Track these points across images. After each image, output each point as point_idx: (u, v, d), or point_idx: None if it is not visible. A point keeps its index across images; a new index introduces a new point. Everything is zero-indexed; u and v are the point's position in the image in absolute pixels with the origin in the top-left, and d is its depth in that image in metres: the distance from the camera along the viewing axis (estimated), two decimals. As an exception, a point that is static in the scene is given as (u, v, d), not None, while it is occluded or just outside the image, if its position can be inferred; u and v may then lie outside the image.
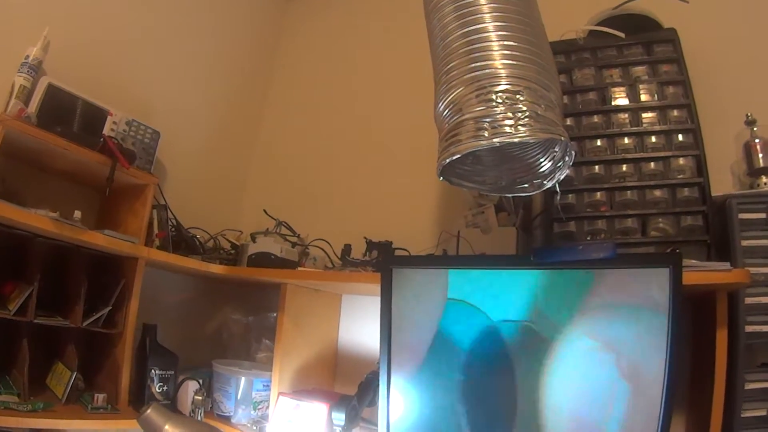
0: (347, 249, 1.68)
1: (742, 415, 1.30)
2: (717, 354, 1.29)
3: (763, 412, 1.30)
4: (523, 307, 1.28)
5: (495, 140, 1.09)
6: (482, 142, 1.10)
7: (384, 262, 1.45)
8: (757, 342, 1.32)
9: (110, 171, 1.64)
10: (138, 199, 1.81)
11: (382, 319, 1.45)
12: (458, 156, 1.13)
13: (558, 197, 1.51)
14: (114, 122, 1.77)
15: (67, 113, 1.65)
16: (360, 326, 1.68)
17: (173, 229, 1.93)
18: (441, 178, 1.25)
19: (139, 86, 2.07)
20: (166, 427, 1.42)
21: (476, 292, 1.34)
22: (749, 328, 1.31)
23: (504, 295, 1.31)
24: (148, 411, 1.44)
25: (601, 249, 1.27)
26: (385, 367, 1.46)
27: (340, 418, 1.51)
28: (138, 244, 1.72)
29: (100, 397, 1.68)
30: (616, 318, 1.20)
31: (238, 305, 2.16)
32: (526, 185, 1.33)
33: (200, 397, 1.69)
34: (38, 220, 1.44)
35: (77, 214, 1.50)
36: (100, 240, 1.57)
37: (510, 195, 1.42)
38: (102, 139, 1.68)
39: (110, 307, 1.69)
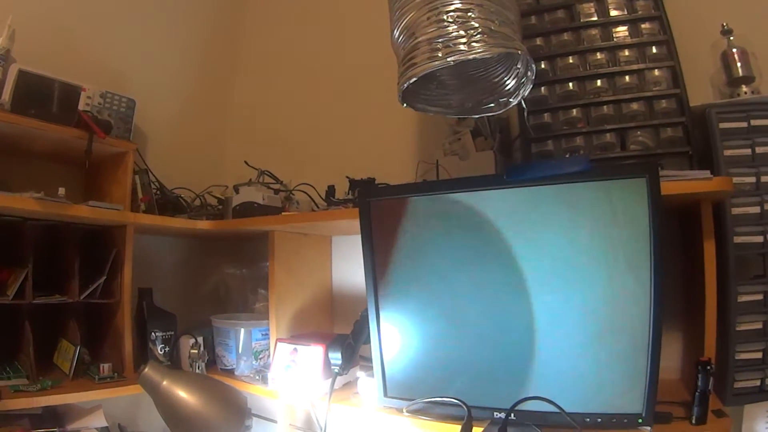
0: (331, 190, 1.68)
1: (737, 329, 1.31)
2: (706, 266, 1.29)
3: (758, 325, 1.32)
4: (502, 227, 1.28)
5: (449, 59, 1.08)
6: (436, 63, 1.09)
7: (361, 196, 1.45)
8: (748, 253, 1.32)
9: (87, 143, 1.65)
10: (119, 168, 1.82)
11: (365, 253, 1.46)
12: (415, 79, 1.13)
13: (526, 113, 1.50)
14: (88, 97, 1.76)
15: (41, 96, 1.64)
16: (353, 266, 1.70)
17: (157, 192, 1.94)
18: (404, 104, 1.25)
19: (110, 58, 2.05)
20: (164, 383, 1.46)
21: (454, 217, 1.34)
22: (738, 239, 1.31)
23: (482, 217, 1.31)
24: (146, 370, 1.48)
25: (575, 162, 1.27)
26: (373, 301, 1.47)
27: (336, 357, 1.53)
28: (123, 210, 1.73)
29: (105, 367, 1.71)
30: (596, 233, 1.20)
31: (232, 259, 2.18)
32: (492, 104, 1.33)
33: (196, 351, 1.72)
34: (23, 202, 1.45)
35: (61, 191, 1.51)
36: (86, 212, 1.58)
37: (476, 116, 1.42)
38: (77, 115, 1.68)
39: (105, 277, 1.71)
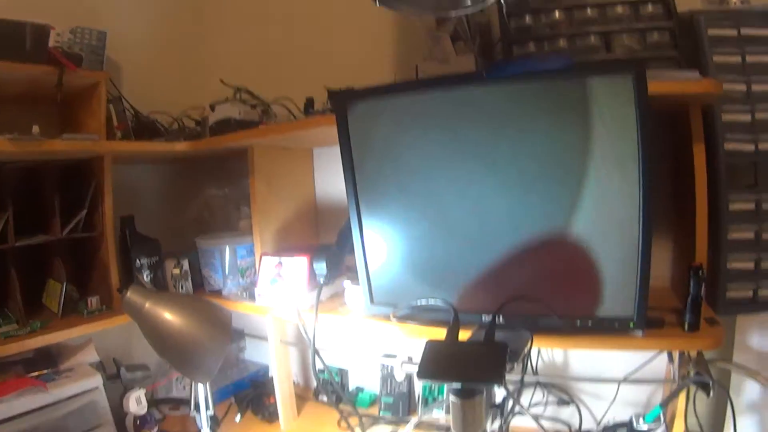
0: (309, 102, 1.63)
1: (729, 237, 1.30)
2: (696, 171, 1.27)
3: (750, 235, 1.31)
4: (484, 127, 1.24)
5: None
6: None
7: (337, 101, 1.40)
8: (739, 161, 1.31)
9: (58, 77, 1.63)
10: (93, 99, 1.77)
11: (344, 159, 1.43)
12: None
13: (505, 11, 1.45)
14: (57, 34, 1.72)
15: (11, 41, 1.59)
16: (335, 177, 1.68)
17: (133, 119, 1.90)
18: (377, 3, 1.19)
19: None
20: (147, 305, 1.44)
21: (434, 118, 1.29)
22: (729, 146, 1.30)
23: (463, 117, 1.26)
24: (128, 294, 1.46)
25: (557, 59, 1.23)
26: (354, 208, 1.45)
27: (321, 267, 1.51)
28: (99, 140, 1.69)
29: (93, 301, 1.72)
30: (582, 133, 1.16)
31: (213, 180, 2.16)
32: (468, 2, 1.27)
33: (178, 270, 1.71)
34: None
35: (35, 129, 1.48)
36: (61, 146, 1.54)
37: (454, 13, 1.36)
38: (47, 53, 1.64)
39: (86, 210, 1.69)
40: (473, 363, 1.00)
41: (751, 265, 1.32)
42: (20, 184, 1.62)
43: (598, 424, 1.64)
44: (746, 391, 1.46)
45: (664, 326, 1.24)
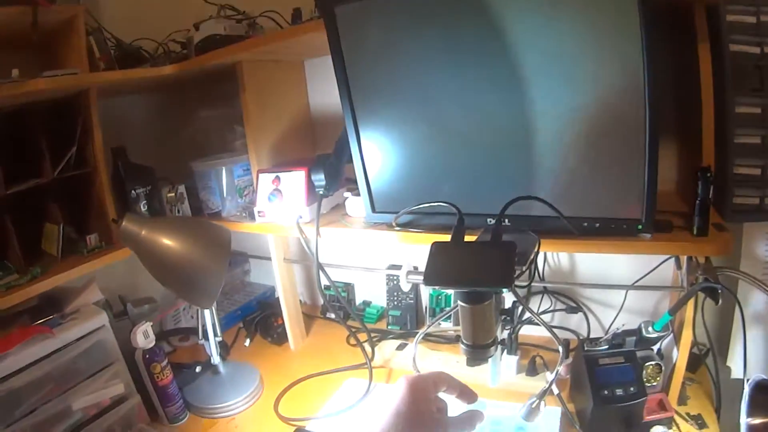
0: (297, 13, 1.54)
1: (736, 141, 1.25)
2: (701, 71, 1.23)
3: (757, 140, 1.26)
4: (479, 20, 1.18)
5: None
6: None
7: (323, 4, 1.33)
8: (745, 64, 1.24)
9: (33, 16, 1.53)
10: (71, 33, 1.69)
11: (336, 66, 1.38)
12: None
13: None
14: None
15: None
16: (329, 87, 1.63)
17: (115, 49, 1.83)
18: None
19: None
20: (143, 232, 1.42)
21: (426, 14, 1.23)
22: (733, 48, 1.23)
23: (456, 11, 1.20)
24: (123, 223, 1.43)
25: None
26: (349, 116, 1.41)
27: (320, 178, 1.48)
28: (82, 73, 1.62)
29: (92, 239, 1.70)
30: (583, 25, 1.11)
31: (205, 103, 2.11)
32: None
33: (173, 194, 1.68)
34: None
35: (15, 72, 1.41)
36: (43, 84, 1.46)
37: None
38: None
39: (75, 146, 1.64)
40: (482, 265, 0.97)
41: (757, 172, 1.27)
42: (6, 132, 1.58)
43: (606, 332, 1.64)
44: (753, 301, 1.45)
45: (673, 230, 1.21)
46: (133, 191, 1.74)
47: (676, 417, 1.37)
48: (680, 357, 1.35)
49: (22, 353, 1.39)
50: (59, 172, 1.60)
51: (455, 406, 1.01)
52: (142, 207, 1.75)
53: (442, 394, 1.00)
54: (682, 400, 1.44)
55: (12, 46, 1.70)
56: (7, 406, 1.38)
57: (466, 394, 1.03)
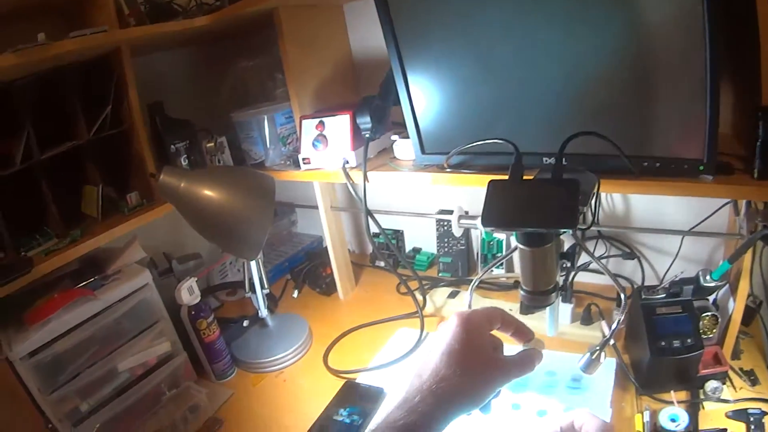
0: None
1: None
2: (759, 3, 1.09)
3: None
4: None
5: None
6: None
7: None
8: None
9: None
10: (99, -8, 1.65)
11: (378, 6, 1.32)
12: None
13: None
14: None
15: None
16: (371, 30, 1.58)
17: (145, 4, 1.77)
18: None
19: None
20: (182, 185, 1.39)
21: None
22: None
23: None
24: (162, 176, 1.40)
25: None
26: (395, 55, 1.35)
27: (365, 121, 1.44)
28: (111, 30, 1.56)
29: (132, 197, 1.67)
30: None
31: (242, 55, 2.05)
32: None
33: (212, 144, 1.65)
34: (2, 60, 1.27)
35: (41, 36, 1.34)
36: (71, 45, 1.41)
37: None
38: None
39: (110, 105, 1.60)
40: (544, 205, 0.92)
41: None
42: (40, 97, 1.53)
43: (661, 280, 1.59)
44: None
45: (734, 173, 1.14)
46: (172, 146, 1.71)
47: (729, 372, 1.32)
48: (736, 309, 1.30)
49: (64, 317, 1.38)
50: (95, 132, 1.57)
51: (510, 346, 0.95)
52: (182, 161, 1.73)
53: (496, 332, 0.93)
54: (735, 354, 1.38)
55: (39, 11, 1.66)
56: (52, 371, 1.39)
57: (523, 332, 0.96)
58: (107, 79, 1.63)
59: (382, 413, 1.38)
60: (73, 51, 1.43)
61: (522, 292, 1.00)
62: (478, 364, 0.83)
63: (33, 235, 1.48)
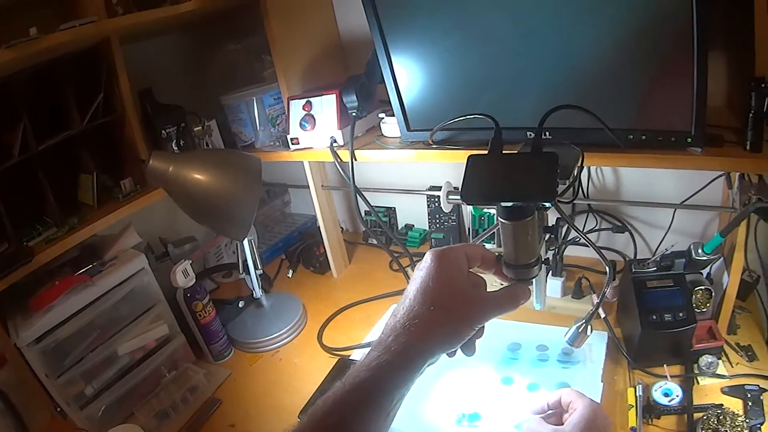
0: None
1: None
2: None
3: None
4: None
5: None
6: None
7: None
8: None
9: None
10: (86, -17, 1.65)
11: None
12: None
13: None
14: None
15: None
16: (359, 10, 1.55)
17: (131, -10, 1.77)
18: None
19: None
20: (171, 168, 1.40)
21: None
22: None
23: None
24: (150, 162, 1.40)
25: None
26: (377, 30, 1.35)
27: (351, 99, 1.45)
28: (99, 20, 1.55)
29: (126, 183, 1.69)
30: None
31: (230, 37, 2.06)
32: None
33: (200, 128, 1.66)
34: None
35: (33, 30, 1.34)
36: (61, 37, 1.41)
37: None
38: None
39: (102, 94, 1.61)
40: (521, 178, 0.91)
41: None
42: (34, 90, 1.55)
43: (653, 253, 1.58)
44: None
45: (724, 145, 1.14)
46: (163, 131, 1.71)
47: (725, 347, 1.32)
48: (731, 283, 1.29)
49: (64, 304, 1.41)
50: (88, 121, 1.57)
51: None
52: (174, 146, 1.73)
53: (476, 271, 0.87)
54: (731, 329, 1.37)
55: (29, 5, 1.65)
56: (57, 357, 1.42)
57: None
58: (98, 69, 1.63)
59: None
60: (64, 43, 1.43)
61: (504, 267, 1.00)
62: (453, 300, 0.77)
63: (33, 225, 1.51)
